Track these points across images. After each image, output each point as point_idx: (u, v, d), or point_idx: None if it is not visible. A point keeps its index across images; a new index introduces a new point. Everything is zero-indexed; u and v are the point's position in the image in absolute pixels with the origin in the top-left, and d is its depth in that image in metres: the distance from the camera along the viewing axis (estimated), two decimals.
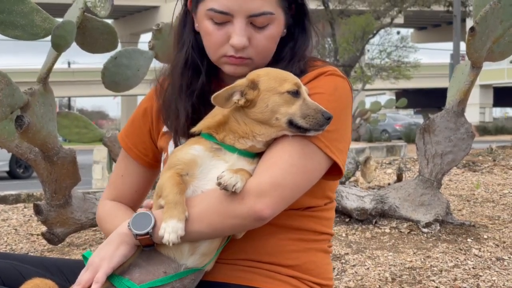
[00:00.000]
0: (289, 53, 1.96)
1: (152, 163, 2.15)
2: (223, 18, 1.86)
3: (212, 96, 1.76)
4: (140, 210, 1.84)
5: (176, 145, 1.96)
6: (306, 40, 1.99)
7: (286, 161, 1.75)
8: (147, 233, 1.73)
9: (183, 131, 1.95)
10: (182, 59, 1.97)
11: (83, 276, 1.77)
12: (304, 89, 1.78)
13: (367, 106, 24.30)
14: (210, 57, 1.94)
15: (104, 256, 1.76)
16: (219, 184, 1.68)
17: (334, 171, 1.85)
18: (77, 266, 1.99)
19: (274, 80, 1.78)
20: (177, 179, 1.75)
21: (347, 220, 4.59)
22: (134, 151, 2.14)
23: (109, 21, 4.16)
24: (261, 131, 1.78)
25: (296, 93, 1.76)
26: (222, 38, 1.87)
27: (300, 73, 1.90)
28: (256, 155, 1.82)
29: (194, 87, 1.95)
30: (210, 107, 1.84)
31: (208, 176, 1.77)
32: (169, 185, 1.73)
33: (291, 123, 1.75)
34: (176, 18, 2.06)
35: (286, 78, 1.78)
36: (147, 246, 1.75)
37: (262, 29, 1.87)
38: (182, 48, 1.99)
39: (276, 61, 1.94)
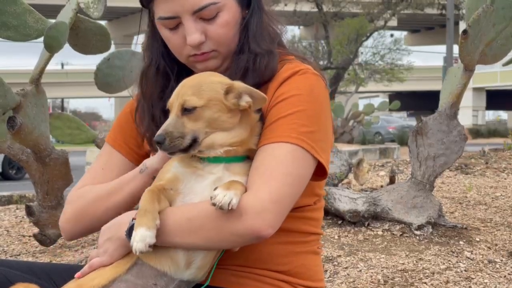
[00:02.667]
0: (245, 41, 1.94)
1: (143, 157, 2.10)
2: (173, 23, 1.87)
3: (168, 103, 1.77)
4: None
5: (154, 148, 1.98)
6: (261, 27, 1.96)
7: (282, 172, 1.72)
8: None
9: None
10: (152, 68, 2.00)
11: (92, 253, 1.83)
12: (174, 106, 1.74)
13: (361, 108, 24.33)
14: (180, 60, 1.96)
15: (106, 250, 1.78)
16: (213, 204, 1.64)
17: (318, 172, 1.84)
18: (66, 271, 1.98)
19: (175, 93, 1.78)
20: (154, 190, 1.72)
21: (339, 222, 4.59)
22: (125, 148, 2.09)
23: (103, 22, 4.16)
24: None
25: (168, 111, 1.76)
26: (179, 41, 1.89)
27: (272, 64, 1.90)
28: (241, 159, 1.79)
29: (166, 93, 1.95)
30: None
31: (193, 190, 1.75)
32: (144, 194, 1.72)
33: None
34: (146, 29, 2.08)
35: (175, 93, 1.77)
36: None
37: (213, 19, 1.87)
38: (150, 57, 2.01)
39: (239, 50, 1.93)
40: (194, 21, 1.86)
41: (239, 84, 1.77)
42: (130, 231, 1.72)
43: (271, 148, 1.76)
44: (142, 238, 1.64)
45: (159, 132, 1.69)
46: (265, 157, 1.75)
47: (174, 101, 1.74)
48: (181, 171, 1.76)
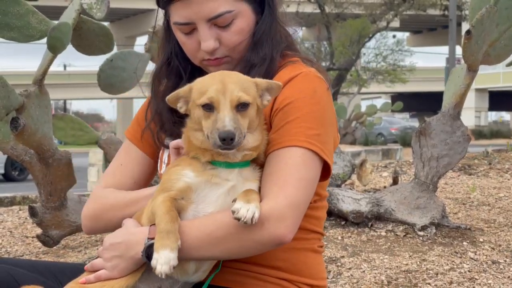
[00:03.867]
0: (258, 42, 1.96)
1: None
2: (188, 28, 1.92)
3: (166, 98, 1.77)
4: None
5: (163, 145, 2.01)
6: (273, 30, 1.98)
7: (295, 177, 1.75)
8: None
9: (170, 132, 2.00)
10: (166, 67, 2.04)
11: (96, 262, 1.82)
12: (223, 103, 1.69)
13: (363, 109, 24.33)
14: (193, 62, 2.00)
15: (115, 266, 1.77)
16: (237, 219, 1.63)
17: (322, 172, 1.86)
18: (70, 270, 1.99)
19: (198, 91, 1.73)
20: (169, 205, 1.69)
21: (343, 223, 4.59)
22: (142, 143, 2.11)
23: (105, 23, 4.16)
24: (209, 146, 1.72)
25: (209, 108, 1.69)
26: (194, 45, 1.94)
27: (269, 70, 1.92)
28: (252, 163, 1.78)
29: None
30: None
31: (206, 199, 1.73)
32: (160, 212, 1.68)
33: (208, 139, 1.70)
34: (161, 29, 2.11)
35: (206, 90, 1.70)
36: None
37: (227, 26, 1.91)
38: (164, 56, 2.06)
39: (251, 52, 1.95)
40: (209, 28, 1.90)
41: (261, 81, 1.77)
42: (147, 251, 1.70)
43: (282, 153, 1.78)
44: (166, 260, 1.63)
45: (229, 128, 1.64)
46: (277, 162, 1.77)
47: (221, 97, 1.68)
48: (194, 180, 1.73)
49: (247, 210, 1.63)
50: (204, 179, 1.73)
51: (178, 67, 2.03)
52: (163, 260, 1.63)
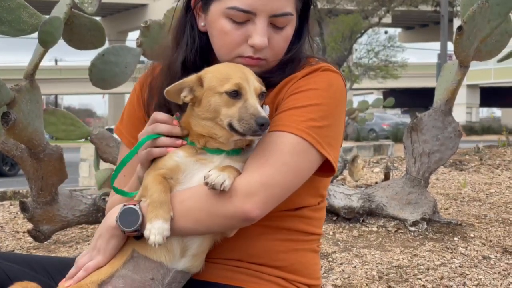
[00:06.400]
0: (295, 53, 1.93)
1: None
2: (245, 17, 1.81)
3: (165, 91, 1.74)
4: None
5: None
6: (305, 41, 1.97)
7: (278, 159, 1.72)
8: (136, 230, 1.71)
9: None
10: (180, 59, 1.91)
11: (82, 259, 1.78)
12: (249, 90, 1.70)
13: (355, 105, 24.30)
14: (220, 57, 1.88)
15: (99, 248, 1.76)
16: (206, 183, 1.65)
17: (325, 168, 1.82)
18: (62, 264, 1.97)
19: (217, 78, 1.72)
20: (161, 178, 1.71)
21: (334, 218, 4.59)
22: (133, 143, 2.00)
23: (97, 18, 4.14)
24: (218, 133, 1.73)
25: (235, 95, 1.69)
26: (240, 38, 1.82)
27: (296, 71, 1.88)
28: (242, 150, 1.79)
29: None
30: None
31: (192, 180, 1.74)
32: (152, 184, 1.70)
33: (231, 126, 1.70)
34: (174, 17, 2.00)
35: (229, 77, 1.71)
36: (137, 237, 1.73)
37: (281, 29, 1.85)
38: (183, 48, 1.93)
39: (283, 61, 1.90)
40: (267, 24, 1.82)
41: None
42: (121, 217, 1.71)
43: (275, 136, 1.76)
44: (160, 231, 1.64)
45: (264, 114, 1.66)
46: (267, 143, 1.75)
47: (246, 85, 1.70)
48: (184, 160, 1.75)
49: (218, 176, 1.65)
50: (193, 160, 1.75)
51: (196, 62, 1.90)
52: (156, 230, 1.64)
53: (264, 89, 1.75)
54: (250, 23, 1.81)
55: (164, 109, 1.88)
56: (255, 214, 1.68)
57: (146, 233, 1.65)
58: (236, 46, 1.84)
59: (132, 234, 1.73)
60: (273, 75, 1.87)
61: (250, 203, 1.67)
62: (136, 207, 1.72)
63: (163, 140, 1.79)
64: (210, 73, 1.75)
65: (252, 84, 1.72)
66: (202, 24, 1.91)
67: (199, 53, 1.92)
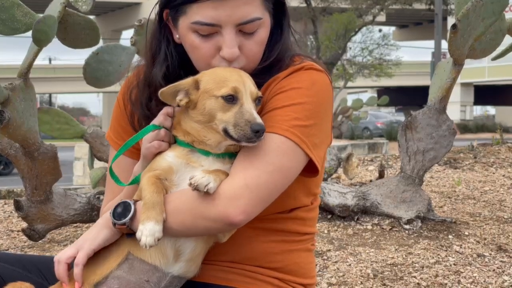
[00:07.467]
0: (274, 54, 1.88)
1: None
2: (211, 30, 1.76)
3: (159, 92, 1.72)
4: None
5: None
6: (287, 39, 1.92)
7: (263, 160, 1.69)
8: (124, 223, 1.70)
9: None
10: (161, 74, 1.87)
11: (66, 252, 1.77)
12: (245, 95, 1.68)
13: (349, 103, 24.35)
14: (199, 69, 1.84)
15: (87, 238, 1.76)
16: (190, 184, 1.63)
17: (309, 168, 1.80)
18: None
19: (214, 82, 1.70)
20: (154, 179, 1.70)
21: (329, 216, 4.60)
22: (129, 149, 1.96)
23: (91, 17, 4.14)
24: (208, 136, 1.72)
25: (231, 99, 1.67)
26: (210, 50, 1.78)
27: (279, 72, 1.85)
28: (233, 155, 1.76)
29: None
30: None
31: (185, 182, 1.71)
32: (146, 185, 1.69)
33: (226, 132, 1.68)
34: (149, 29, 1.95)
35: (225, 81, 1.68)
36: (129, 235, 1.72)
37: (251, 35, 1.79)
38: (160, 62, 1.88)
39: (262, 63, 1.86)
40: (235, 33, 1.77)
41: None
42: (115, 209, 1.72)
43: None
44: (151, 232, 1.63)
45: (260, 121, 1.64)
46: (251, 147, 1.71)
47: (243, 89, 1.69)
48: (175, 160, 1.74)
49: (202, 177, 1.63)
50: (184, 162, 1.73)
51: (176, 75, 1.84)
52: (148, 231, 1.62)
53: (260, 93, 1.72)
54: (217, 35, 1.77)
55: (148, 121, 1.85)
56: (239, 219, 1.65)
57: (138, 234, 1.63)
58: (209, 58, 1.80)
59: (121, 228, 1.72)
60: (258, 77, 1.83)
61: (233, 207, 1.64)
62: (131, 202, 1.72)
63: (162, 132, 1.79)
64: (207, 76, 1.73)
65: (249, 88, 1.70)
66: (177, 36, 1.87)
67: (180, 65, 1.89)
